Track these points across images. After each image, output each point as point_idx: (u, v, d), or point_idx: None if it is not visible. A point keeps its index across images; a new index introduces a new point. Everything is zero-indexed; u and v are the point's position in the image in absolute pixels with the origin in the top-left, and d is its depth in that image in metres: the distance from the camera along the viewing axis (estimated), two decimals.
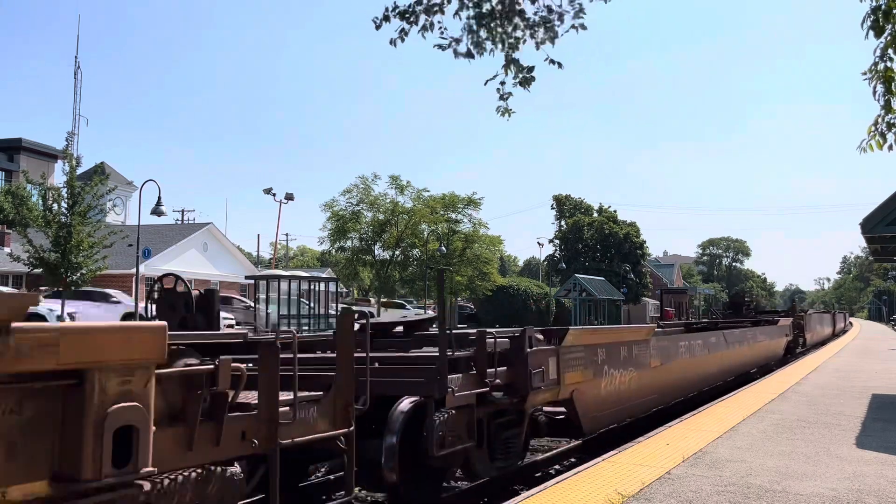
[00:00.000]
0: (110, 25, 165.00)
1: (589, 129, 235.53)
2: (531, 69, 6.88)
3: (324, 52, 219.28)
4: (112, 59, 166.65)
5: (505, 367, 6.54)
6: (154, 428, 3.14)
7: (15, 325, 2.67)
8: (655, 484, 5.84)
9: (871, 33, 6.21)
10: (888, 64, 6.46)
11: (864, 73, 6.63)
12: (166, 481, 3.36)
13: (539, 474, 8.05)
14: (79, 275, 27.49)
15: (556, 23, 6.75)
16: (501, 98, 7.01)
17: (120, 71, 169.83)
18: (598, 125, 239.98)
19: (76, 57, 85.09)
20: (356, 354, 4.75)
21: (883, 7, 6.12)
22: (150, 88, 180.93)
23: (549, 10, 6.73)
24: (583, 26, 6.70)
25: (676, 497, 5.45)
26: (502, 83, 6.94)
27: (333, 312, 37.83)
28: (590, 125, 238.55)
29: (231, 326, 35.05)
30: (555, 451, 8.89)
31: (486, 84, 6.91)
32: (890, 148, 6.73)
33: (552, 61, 6.81)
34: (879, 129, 6.73)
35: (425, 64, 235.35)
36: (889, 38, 6.28)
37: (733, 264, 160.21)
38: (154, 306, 11.28)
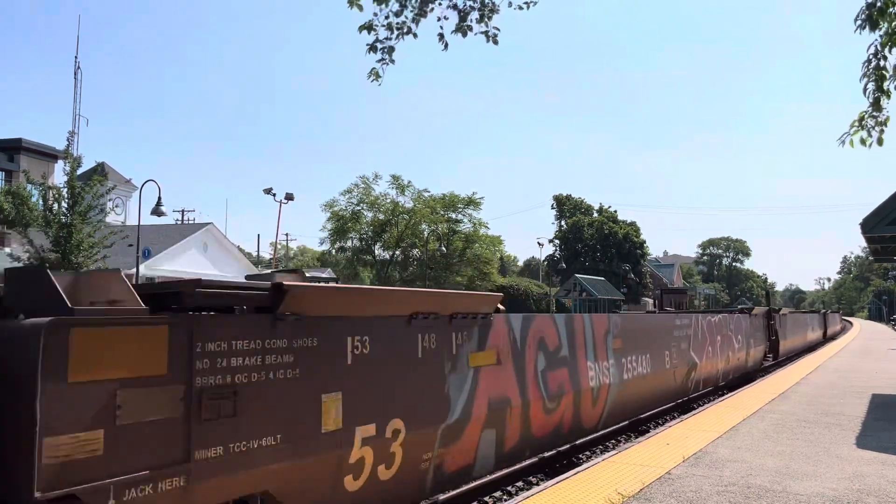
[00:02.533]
0: (110, 25, 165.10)
1: (590, 129, 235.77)
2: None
3: (325, 52, 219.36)
4: (112, 58, 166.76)
5: None
6: None
7: None
8: (655, 484, 5.84)
9: (867, 28, 6.24)
10: (881, 62, 6.49)
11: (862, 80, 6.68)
12: None
13: (539, 474, 8.05)
14: None
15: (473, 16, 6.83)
16: (381, 61, 6.81)
17: (120, 71, 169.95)
18: (598, 125, 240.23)
19: (76, 57, 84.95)
20: None
21: (878, 4, 6.14)
22: (150, 88, 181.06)
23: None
24: (494, 39, 6.76)
25: (676, 497, 5.45)
26: (391, 49, 6.79)
27: None
28: (590, 125, 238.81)
29: None
30: (555, 451, 8.88)
31: (360, 31, 6.79)
32: (870, 145, 6.78)
33: (486, 35, 6.87)
34: (864, 125, 6.78)
35: (427, 64, 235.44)
36: (883, 36, 6.31)
37: (733, 264, 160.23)
38: None
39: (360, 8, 6.58)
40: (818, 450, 7.32)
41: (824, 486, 5.81)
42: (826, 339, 36.97)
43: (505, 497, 7.10)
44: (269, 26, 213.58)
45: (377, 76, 6.94)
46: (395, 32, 6.81)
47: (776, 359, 21.33)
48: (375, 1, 6.61)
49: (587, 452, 9.06)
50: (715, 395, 14.16)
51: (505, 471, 7.34)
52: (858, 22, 6.28)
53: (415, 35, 6.85)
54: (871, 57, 6.50)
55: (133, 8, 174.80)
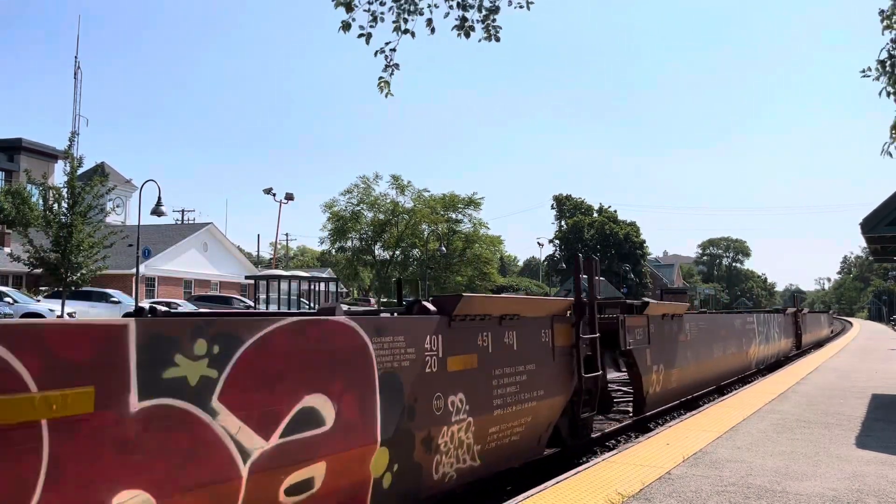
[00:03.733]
0: (111, 25, 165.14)
1: (590, 129, 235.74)
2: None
3: (325, 53, 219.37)
4: (112, 59, 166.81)
5: None
6: None
7: None
8: (656, 484, 5.84)
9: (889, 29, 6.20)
10: None
11: (863, 71, 6.62)
12: None
13: (539, 474, 8.05)
14: (79, 275, 27.50)
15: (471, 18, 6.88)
16: (386, 67, 6.82)
17: (120, 71, 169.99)
18: (599, 125, 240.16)
19: (76, 57, 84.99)
20: None
21: None
22: (150, 88, 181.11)
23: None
24: (496, 37, 6.81)
25: (676, 497, 5.46)
26: (392, 50, 6.78)
27: None
28: (591, 125, 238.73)
29: None
30: (555, 450, 8.88)
31: (375, 55, 6.86)
32: None
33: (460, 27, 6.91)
34: None
35: (427, 65, 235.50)
36: None
37: (733, 264, 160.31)
38: None
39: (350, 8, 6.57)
40: (818, 450, 7.33)
41: (824, 486, 5.81)
42: (801, 351, 24.90)
43: (505, 497, 7.10)
44: (269, 26, 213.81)
45: (387, 85, 6.88)
46: (398, 30, 6.81)
47: (640, 413, 10.48)
48: None
49: (587, 453, 9.08)
50: None
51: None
52: (884, 22, 6.23)
53: (412, 34, 6.84)
54: (888, 63, 6.48)
55: (133, 8, 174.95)
